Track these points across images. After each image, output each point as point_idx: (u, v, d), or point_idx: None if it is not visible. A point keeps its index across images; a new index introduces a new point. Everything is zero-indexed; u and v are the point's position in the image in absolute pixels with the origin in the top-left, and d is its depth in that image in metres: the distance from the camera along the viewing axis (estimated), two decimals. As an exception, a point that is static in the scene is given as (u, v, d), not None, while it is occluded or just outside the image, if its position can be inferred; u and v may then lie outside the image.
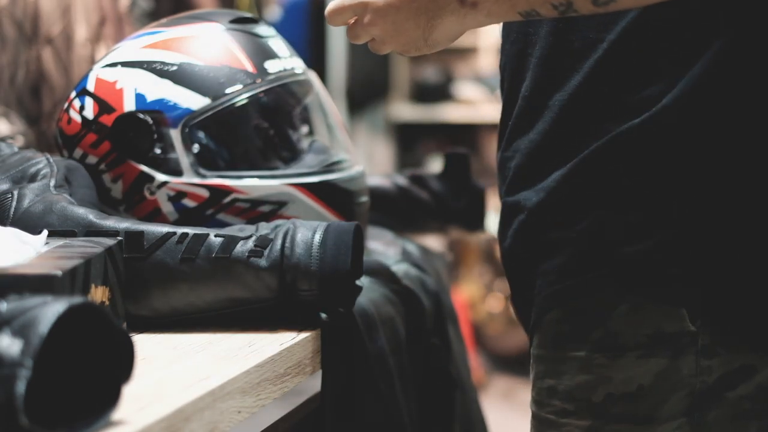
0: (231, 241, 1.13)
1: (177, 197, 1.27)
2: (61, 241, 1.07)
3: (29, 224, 1.13)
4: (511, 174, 1.15)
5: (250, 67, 1.31)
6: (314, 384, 1.18)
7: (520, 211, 1.12)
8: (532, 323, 1.13)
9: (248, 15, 1.39)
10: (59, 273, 0.91)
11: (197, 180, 1.27)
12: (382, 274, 1.39)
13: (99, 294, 1.02)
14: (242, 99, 1.29)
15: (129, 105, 1.28)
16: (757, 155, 1.05)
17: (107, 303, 1.05)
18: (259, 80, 1.31)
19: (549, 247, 1.10)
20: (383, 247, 1.52)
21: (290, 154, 1.40)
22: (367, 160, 4.69)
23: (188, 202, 1.27)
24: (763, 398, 1.06)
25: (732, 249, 1.04)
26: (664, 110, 1.05)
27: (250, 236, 1.14)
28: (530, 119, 1.13)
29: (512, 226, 1.14)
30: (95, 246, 1.05)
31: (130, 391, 0.82)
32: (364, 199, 1.39)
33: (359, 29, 1.12)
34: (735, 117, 1.05)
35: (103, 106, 1.29)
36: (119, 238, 1.12)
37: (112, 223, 1.14)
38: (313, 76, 1.42)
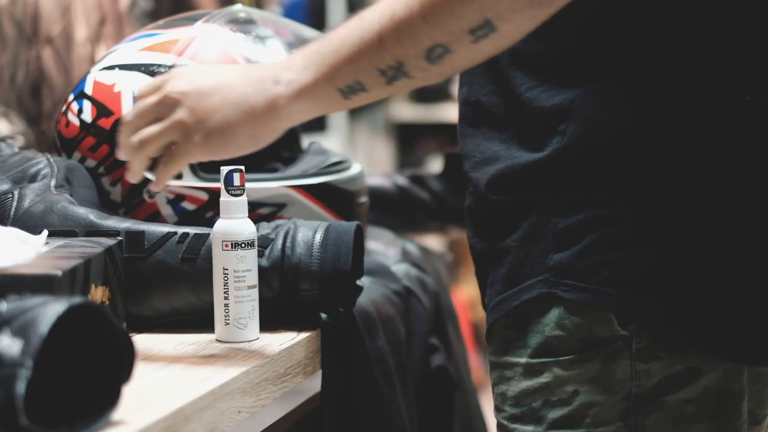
0: (231, 241, 1.13)
1: (176, 200, 1.27)
2: (61, 241, 1.07)
3: (30, 224, 1.13)
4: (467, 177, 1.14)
5: (248, 68, 1.30)
6: (314, 384, 1.18)
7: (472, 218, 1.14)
8: (486, 331, 1.13)
9: (246, 16, 1.39)
10: (59, 273, 0.91)
11: (196, 183, 1.27)
12: (382, 274, 1.39)
13: (99, 294, 1.02)
14: (241, 100, 1.29)
15: (127, 108, 1.27)
16: (678, 156, 1.03)
17: (107, 303, 1.05)
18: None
19: (497, 255, 1.09)
20: (383, 247, 1.52)
21: (289, 155, 1.41)
22: (367, 160, 4.69)
23: (187, 205, 1.27)
24: (710, 400, 1.04)
25: (667, 253, 1.02)
26: (584, 120, 1.03)
27: (251, 236, 1.13)
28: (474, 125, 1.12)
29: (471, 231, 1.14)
30: (95, 246, 1.05)
31: (130, 391, 0.82)
32: (364, 199, 1.39)
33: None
34: (648, 125, 1.03)
35: (101, 110, 1.29)
36: (119, 238, 1.12)
37: (112, 223, 1.14)
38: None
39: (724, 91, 1.03)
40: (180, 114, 1.02)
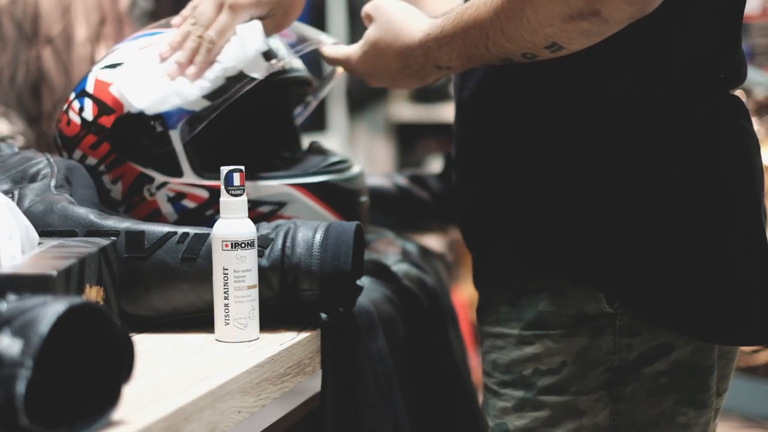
0: (231, 241, 1.12)
1: (177, 198, 1.27)
2: (55, 241, 1.07)
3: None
4: (460, 160, 1.28)
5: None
6: (314, 384, 1.18)
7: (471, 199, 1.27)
8: (480, 303, 1.27)
9: None
10: (54, 273, 0.90)
11: (197, 180, 1.27)
12: (382, 274, 1.39)
13: (93, 294, 1.02)
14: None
15: (127, 107, 1.27)
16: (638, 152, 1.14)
17: (101, 303, 1.05)
18: (258, 80, 1.30)
19: (495, 235, 1.23)
20: (383, 247, 1.52)
21: (290, 153, 1.41)
22: (367, 160, 4.69)
23: (188, 203, 1.27)
24: (680, 373, 1.16)
25: (645, 244, 1.13)
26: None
27: (251, 236, 1.13)
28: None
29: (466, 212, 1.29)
30: (89, 246, 1.05)
31: (130, 391, 0.82)
32: (364, 199, 1.39)
33: None
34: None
35: (102, 108, 1.29)
36: (113, 238, 1.12)
37: (112, 222, 1.14)
38: (311, 76, 1.42)
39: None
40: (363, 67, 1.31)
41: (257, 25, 1.28)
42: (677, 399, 1.17)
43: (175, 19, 1.32)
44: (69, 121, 1.32)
